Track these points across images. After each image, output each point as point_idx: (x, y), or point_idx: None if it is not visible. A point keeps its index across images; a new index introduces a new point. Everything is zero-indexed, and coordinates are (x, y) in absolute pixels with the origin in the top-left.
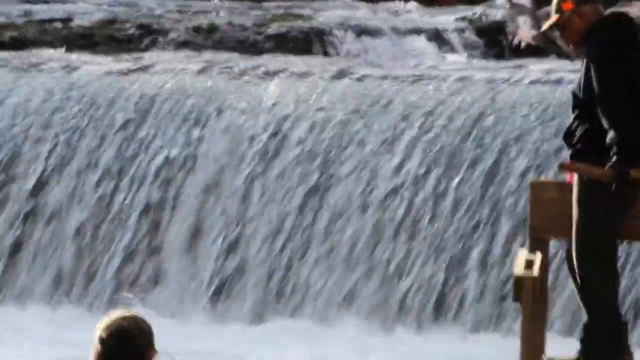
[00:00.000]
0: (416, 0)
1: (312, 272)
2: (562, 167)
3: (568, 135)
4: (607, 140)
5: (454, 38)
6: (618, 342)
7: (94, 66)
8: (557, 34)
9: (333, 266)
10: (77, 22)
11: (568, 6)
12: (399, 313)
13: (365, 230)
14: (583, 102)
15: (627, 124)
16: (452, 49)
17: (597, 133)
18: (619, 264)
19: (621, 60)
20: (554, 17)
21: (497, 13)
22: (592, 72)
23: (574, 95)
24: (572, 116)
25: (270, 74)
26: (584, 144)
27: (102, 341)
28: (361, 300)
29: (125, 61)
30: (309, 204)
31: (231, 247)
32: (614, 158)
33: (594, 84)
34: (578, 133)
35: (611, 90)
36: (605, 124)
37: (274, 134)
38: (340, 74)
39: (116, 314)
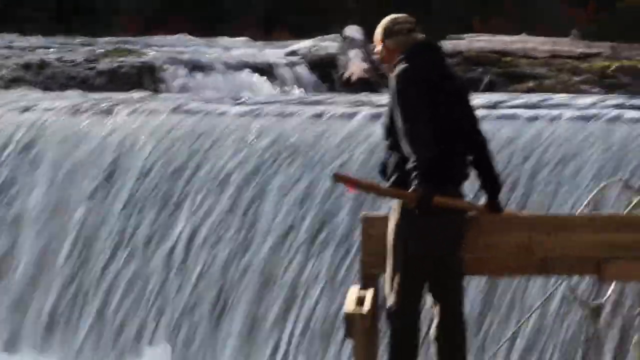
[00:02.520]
0: (249, 33)
1: None
2: (336, 178)
3: (383, 167)
4: (407, 166)
5: (285, 72)
6: None
7: None
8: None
9: None
10: None
11: (378, 42)
12: None
13: None
14: (392, 132)
15: (422, 150)
16: (284, 83)
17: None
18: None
19: (415, 88)
20: (376, 51)
21: (329, 47)
22: (393, 99)
23: (384, 126)
24: (385, 146)
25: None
26: (398, 174)
27: None
28: None
29: None
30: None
31: None
32: (415, 182)
33: (395, 111)
34: (391, 164)
35: (406, 118)
36: (405, 151)
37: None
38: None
39: None
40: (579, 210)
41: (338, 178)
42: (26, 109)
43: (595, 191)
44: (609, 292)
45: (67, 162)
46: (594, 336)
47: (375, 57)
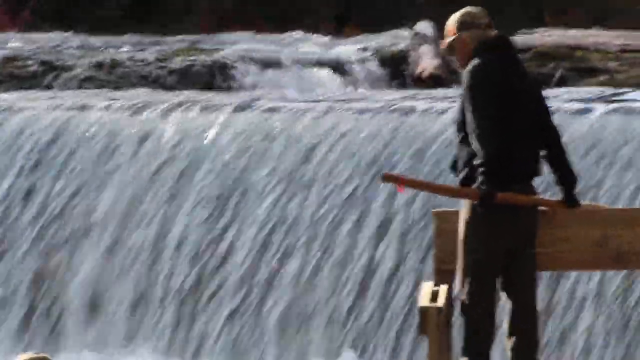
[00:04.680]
0: (321, 29)
1: None
2: (385, 178)
3: (454, 163)
4: (474, 162)
5: (356, 69)
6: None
7: None
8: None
9: None
10: None
11: (451, 33)
12: None
13: None
14: (463, 128)
15: (491, 147)
16: (355, 80)
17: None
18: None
19: (488, 85)
20: (444, 42)
21: (400, 43)
22: (465, 95)
23: (456, 121)
24: (457, 142)
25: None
26: (467, 170)
27: None
28: None
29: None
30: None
31: None
32: (479, 179)
33: (466, 107)
34: (462, 160)
35: (477, 114)
36: (474, 147)
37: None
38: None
39: (27, 356)
40: None
41: (387, 178)
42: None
43: None
44: None
45: None
46: None
47: (442, 48)
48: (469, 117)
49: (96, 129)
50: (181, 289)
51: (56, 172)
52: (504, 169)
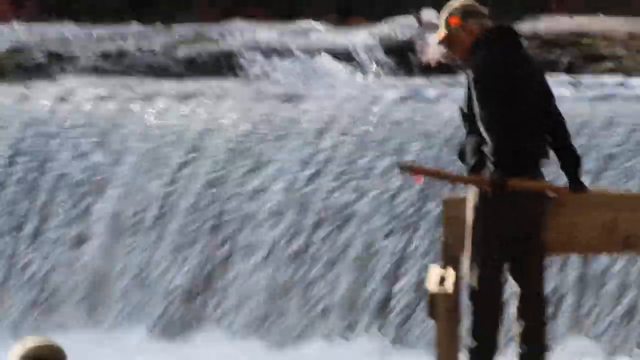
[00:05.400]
0: (325, 19)
1: None
2: (401, 167)
3: (462, 152)
4: (484, 149)
5: (363, 57)
6: (486, 342)
7: None
8: (445, 49)
9: None
10: None
11: (454, 21)
12: None
13: None
14: (471, 117)
15: (499, 137)
16: (362, 68)
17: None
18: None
19: (498, 75)
20: (441, 32)
21: (406, 31)
22: (472, 87)
23: (461, 110)
24: (465, 132)
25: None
26: (477, 158)
27: None
28: None
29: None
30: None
31: None
32: (490, 167)
33: (474, 99)
34: (470, 148)
35: (487, 105)
36: (485, 137)
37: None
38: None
39: (31, 341)
40: None
41: (404, 167)
42: None
43: None
44: None
45: None
46: None
47: (440, 38)
48: (478, 108)
49: None
50: None
51: None
52: (512, 156)
